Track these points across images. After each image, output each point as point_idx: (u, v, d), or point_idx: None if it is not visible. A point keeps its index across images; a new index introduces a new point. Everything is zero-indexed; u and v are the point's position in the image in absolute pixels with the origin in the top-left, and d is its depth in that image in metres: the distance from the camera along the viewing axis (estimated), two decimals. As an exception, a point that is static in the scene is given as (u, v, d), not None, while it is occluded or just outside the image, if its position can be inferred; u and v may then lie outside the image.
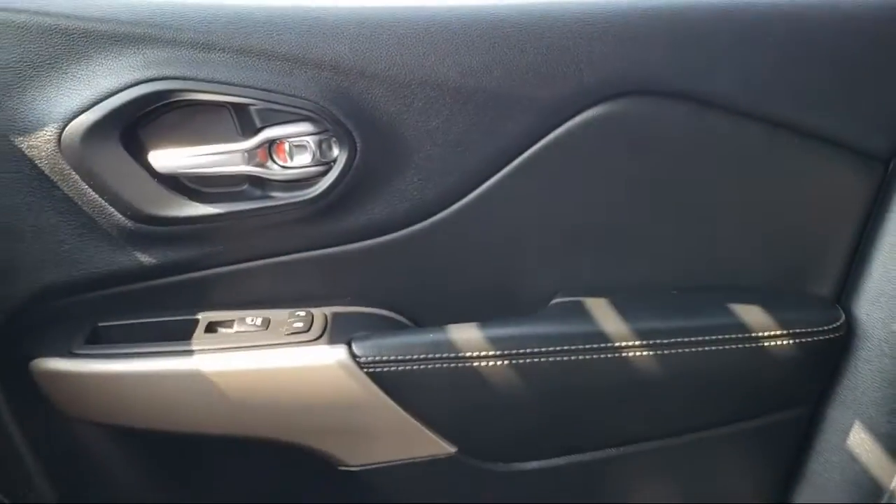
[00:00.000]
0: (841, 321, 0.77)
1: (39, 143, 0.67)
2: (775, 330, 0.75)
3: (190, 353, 0.72)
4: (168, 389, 0.73)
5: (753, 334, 0.75)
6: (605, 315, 0.75)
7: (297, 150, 0.72)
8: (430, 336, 0.73)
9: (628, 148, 0.73)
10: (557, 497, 0.83)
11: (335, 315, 0.78)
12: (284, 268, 0.77)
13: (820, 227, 0.78)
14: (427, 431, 0.76)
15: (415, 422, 0.75)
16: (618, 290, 0.78)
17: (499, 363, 0.73)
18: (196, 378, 0.72)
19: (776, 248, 0.78)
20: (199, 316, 0.77)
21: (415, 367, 0.73)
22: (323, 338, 0.74)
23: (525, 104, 0.70)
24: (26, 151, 0.68)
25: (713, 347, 0.75)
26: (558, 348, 0.73)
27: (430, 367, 0.73)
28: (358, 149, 0.70)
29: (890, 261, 0.75)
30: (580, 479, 0.82)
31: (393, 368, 0.73)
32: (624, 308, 0.76)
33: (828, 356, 0.78)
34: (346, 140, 0.69)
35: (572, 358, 0.73)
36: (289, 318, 0.76)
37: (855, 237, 0.78)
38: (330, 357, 0.73)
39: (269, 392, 0.73)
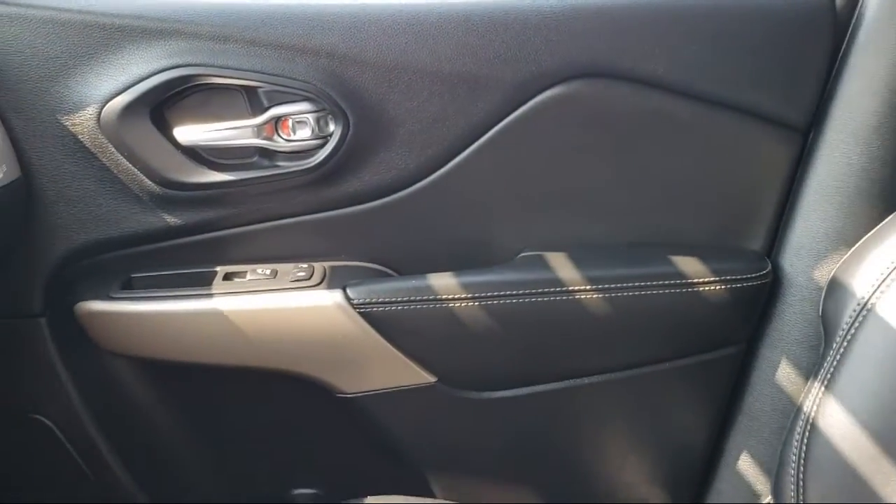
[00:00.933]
0: (768, 270, 0.89)
1: (82, 121, 0.80)
2: (711, 277, 0.88)
3: (210, 296, 0.85)
4: (191, 326, 0.86)
5: (692, 281, 0.88)
6: (563, 265, 0.88)
7: (299, 126, 0.84)
8: (413, 282, 0.86)
9: (582, 123, 0.85)
10: (523, 422, 0.95)
11: (332, 267, 0.90)
12: (288, 228, 0.90)
13: (750, 191, 0.90)
14: (411, 363, 0.89)
15: (400, 355, 0.88)
16: (575, 246, 0.90)
17: (472, 304, 0.86)
18: (215, 316, 0.85)
19: (712, 209, 0.91)
20: (218, 268, 0.90)
21: (400, 308, 0.85)
22: (322, 284, 0.86)
23: (492, 86, 0.82)
24: (70, 128, 0.80)
25: (657, 291, 0.87)
26: (523, 292, 0.86)
27: (413, 307, 0.85)
28: (350, 124, 0.82)
29: (810, 219, 0.87)
30: (542, 407, 0.94)
31: (381, 309, 0.85)
32: (580, 260, 0.88)
33: (757, 301, 0.90)
34: (341, 117, 0.82)
35: (535, 300, 0.86)
36: (293, 269, 0.89)
37: (781, 199, 0.90)
38: (328, 300, 0.85)
39: (277, 329, 0.86)
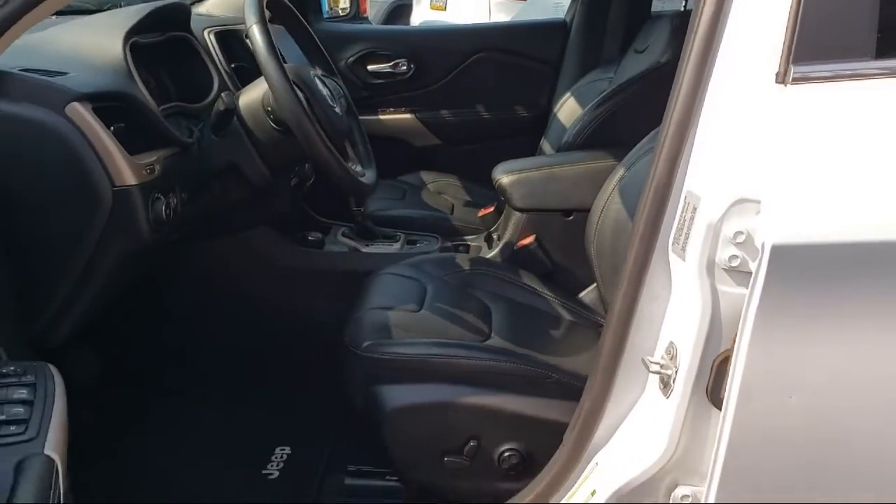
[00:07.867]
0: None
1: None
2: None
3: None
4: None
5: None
6: (450, 115, 2.77)
7: (402, 65, 2.82)
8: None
9: (481, 65, 2.74)
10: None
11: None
12: (398, 96, 2.88)
13: (538, 88, 2.71)
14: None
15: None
16: (464, 108, 2.79)
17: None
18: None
19: (523, 97, 2.73)
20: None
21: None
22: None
23: (453, 56, 2.75)
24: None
25: (474, 119, 2.74)
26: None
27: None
28: (415, 66, 2.79)
29: (560, 97, 2.66)
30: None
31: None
32: (456, 115, 2.77)
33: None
34: (412, 65, 2.78)
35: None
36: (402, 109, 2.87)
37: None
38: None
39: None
